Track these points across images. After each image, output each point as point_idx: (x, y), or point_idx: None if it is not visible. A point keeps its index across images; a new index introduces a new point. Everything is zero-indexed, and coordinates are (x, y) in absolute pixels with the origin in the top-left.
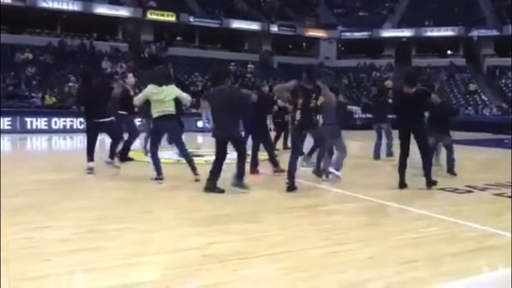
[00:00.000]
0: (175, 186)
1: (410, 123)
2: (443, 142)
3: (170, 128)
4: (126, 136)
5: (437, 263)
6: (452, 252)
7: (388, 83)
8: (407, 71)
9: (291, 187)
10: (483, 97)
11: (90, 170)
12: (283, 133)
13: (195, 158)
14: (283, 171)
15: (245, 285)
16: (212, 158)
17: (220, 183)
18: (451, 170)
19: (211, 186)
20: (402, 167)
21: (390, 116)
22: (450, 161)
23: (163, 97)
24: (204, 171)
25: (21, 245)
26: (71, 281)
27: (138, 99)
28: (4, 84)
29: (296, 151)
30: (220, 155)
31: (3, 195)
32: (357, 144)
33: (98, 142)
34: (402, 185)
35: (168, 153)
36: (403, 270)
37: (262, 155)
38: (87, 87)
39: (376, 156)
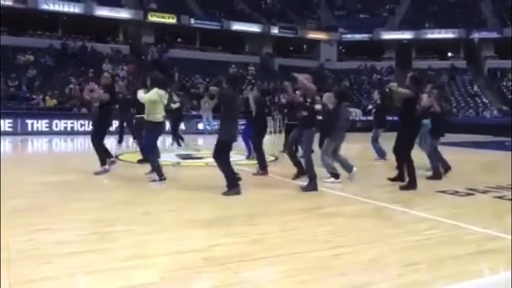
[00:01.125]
0: (176, 188)
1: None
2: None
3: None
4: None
5: (438, 265)
6: (453, 255)
7: (394, 85)
8: (412, 75)
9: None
10: (484, 99)
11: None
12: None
13: (195, 161)
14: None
15: (246, 287)
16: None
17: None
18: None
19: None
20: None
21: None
22: (444, 161)
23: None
24: (205, 173)
25: (22, 247)
26: (72, 284)
27: (143, 98)
28: (5, 86)
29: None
30: (229, 157)
31: (4, 197)
32: (357, 146)
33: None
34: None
35: (169, 155)
36: (405, 273)
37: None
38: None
39: (383, 154)
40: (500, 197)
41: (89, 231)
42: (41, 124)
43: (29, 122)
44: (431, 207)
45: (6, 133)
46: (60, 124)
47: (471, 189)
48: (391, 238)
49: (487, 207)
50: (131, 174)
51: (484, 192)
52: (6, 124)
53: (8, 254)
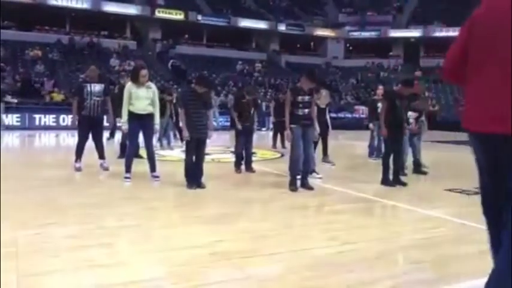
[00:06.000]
0: (182, 184)
1: None
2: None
3: None
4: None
5: (444, 264)
6: (459, 254)
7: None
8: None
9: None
10: None
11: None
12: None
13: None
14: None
15: (252, 283)
16: (219, 156)
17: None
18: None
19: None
20: None
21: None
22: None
23: None
24: (211, 169)
25: (30, 240)
26: (78, 277)
27: None
28: (13, 81)
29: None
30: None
31: (12, 191)
32: (364, 144)
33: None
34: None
35: (175, 151)
36: (411, 270)
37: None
38: None
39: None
40: None
41: (96, 226)
42: (49, 119)
43: (37, 116)
44: (438, 206)
45: (14, 127)
46: (67, 119)
47: (479, 188)
48: (397, 236)
49: None
50: (139, 170)
51: None
52: (14, 119)
53: (16, 248)
